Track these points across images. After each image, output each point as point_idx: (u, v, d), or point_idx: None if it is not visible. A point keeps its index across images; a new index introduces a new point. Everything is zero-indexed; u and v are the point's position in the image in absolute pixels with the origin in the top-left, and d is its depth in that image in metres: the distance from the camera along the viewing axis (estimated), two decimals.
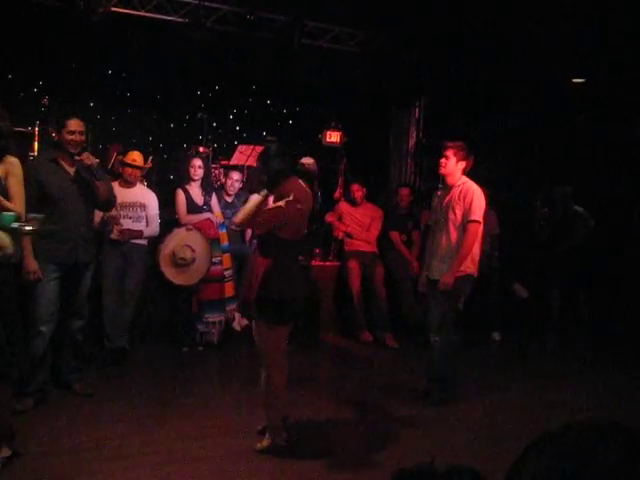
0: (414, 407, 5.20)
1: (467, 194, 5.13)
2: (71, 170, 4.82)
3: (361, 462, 4.20)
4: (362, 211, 7.67)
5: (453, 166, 5.20)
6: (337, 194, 8.23)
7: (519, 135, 9.19)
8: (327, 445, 4.38)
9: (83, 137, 4.82)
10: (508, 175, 8.98)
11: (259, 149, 7.97)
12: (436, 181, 9.46)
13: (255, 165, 6.97)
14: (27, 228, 3.86)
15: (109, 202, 5.15)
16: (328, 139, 8.65)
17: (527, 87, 8.77)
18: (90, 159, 4.79)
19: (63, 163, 4.81)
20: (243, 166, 8.01)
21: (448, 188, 5.27)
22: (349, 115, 8.98)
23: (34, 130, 7.54)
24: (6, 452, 3.76)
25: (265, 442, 4.13)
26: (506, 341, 7.55)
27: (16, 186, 3.93)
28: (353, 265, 7.48)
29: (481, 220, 5.12)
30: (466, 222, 5.09)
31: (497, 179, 8.40)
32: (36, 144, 7.47)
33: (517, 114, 9.12)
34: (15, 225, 3.74)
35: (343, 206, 7.77)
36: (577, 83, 9.11)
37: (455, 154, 5.18)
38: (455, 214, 5.14)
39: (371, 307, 7.46)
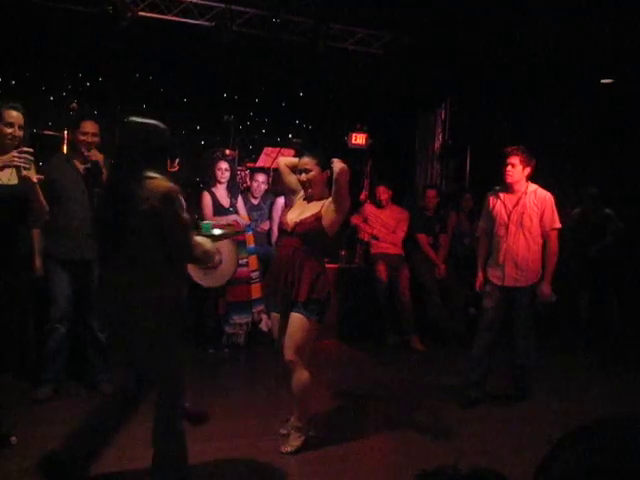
0: (439, 409, 5.18)
1: (543, 202, 5.14)
2: (80, 169, 4.93)
3: (389, 463, 4.19)
4: (388, 213, 7.66)
5: (520, 173, 5.13)
6: (363, 196, 8.24)
7: (545, 136, 9.12)
8: (354, 446, 4.37)
9: (96, 139, 4.93)
10: (535, 177, 8.92)
11: (285, 151, 8.02)
12: (462, 183, 9.46)
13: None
14: (219, 232, 4.09)
15: None
16: (354, 141, 8.65)
17: (553, 88, 8.70)
18: (97, 155, 4.92)
19: (76, 162, 4.93)
20: (269, 168, 8.04)
21: (514, 194, 5.19)
22: (375, 117, 8.98)
23: (63, 134, 7.64)
24: None
25: (295, 442, 4.15)
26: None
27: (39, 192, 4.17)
28: (380, 268, 7.46)
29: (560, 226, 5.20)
30: (548, 230, 5.12)
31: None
32: (65, 148, 7.57)
33: (543, 115, 9.06)
34: (218, 232, 4.01)
35: (369, 208, 7.76)
36: (605, 84, 9.03)
37: (521, 161, 5.11)
38: (532, 221, 5.12)
39: (397, 310, 7.44)
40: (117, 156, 3.41)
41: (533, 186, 5.21)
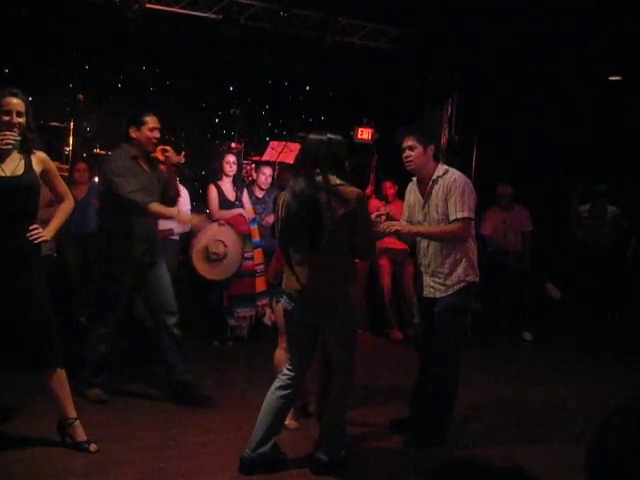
0: None
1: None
2: (147, 168, 4.62)
3: (391, 457, 4.19)
4: (394, 208, 7.62)
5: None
6: (368, 191, 8.20)
7: (551, 132, 9.09)
8: (356, 443, 4.37)
9: (159, 134, 4.63)
10: (540, 172, 8.88)
11: (291, 145, 8.00)
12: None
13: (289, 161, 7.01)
14: None
15: (174, 198, 4.97)
16: (360, 136, 8.63)
17: (560, 84, 8.67)
18: (177, 157, 4.71)
19: (142, 163, 4.60)
20: (274, 162, 8.03)
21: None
22: (381, 112, 8.95)
23: (69, 125, 7.65)
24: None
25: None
26: (537, 341, 7.48)
27: (62, 182, 3.93)
28: (384, 262, 7.45)
29: None
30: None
31: (528, 176, 8.30)
32: (71, 139, 7.58)
33: (549, 111, 9.02)
34: None
35: (374, 203, 7.73)
36: (613, 81, 9.00)
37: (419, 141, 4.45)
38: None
39: (401, 305, 7.43)
40: (305, 168, 3.68)
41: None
